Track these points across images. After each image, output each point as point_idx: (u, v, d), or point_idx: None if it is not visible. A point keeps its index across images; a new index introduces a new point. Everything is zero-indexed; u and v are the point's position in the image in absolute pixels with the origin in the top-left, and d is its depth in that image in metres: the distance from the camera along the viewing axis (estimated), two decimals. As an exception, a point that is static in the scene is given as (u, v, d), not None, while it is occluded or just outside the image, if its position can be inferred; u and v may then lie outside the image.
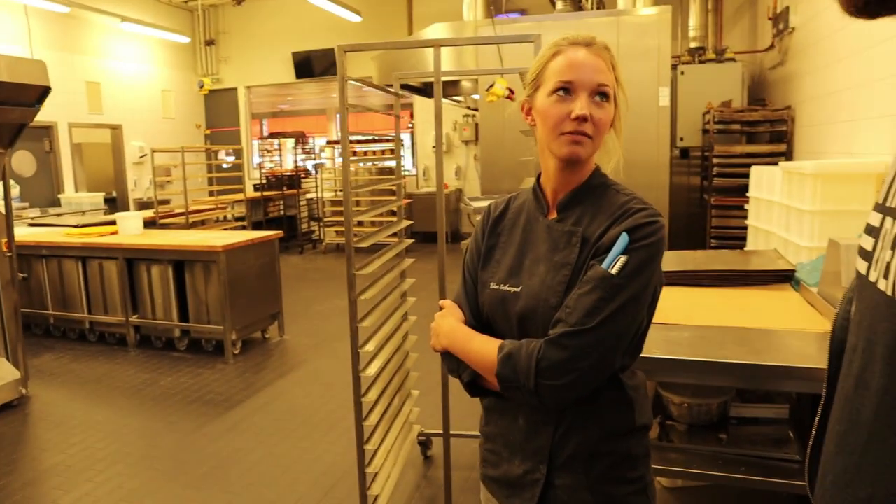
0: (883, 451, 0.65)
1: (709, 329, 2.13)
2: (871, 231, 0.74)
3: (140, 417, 3.97)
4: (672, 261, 3.11)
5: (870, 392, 0.67)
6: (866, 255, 0.74)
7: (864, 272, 0.74)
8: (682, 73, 6.17)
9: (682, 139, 6.22)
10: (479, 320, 1.28)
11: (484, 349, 1.17)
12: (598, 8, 6.04)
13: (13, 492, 3.12)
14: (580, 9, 6.08)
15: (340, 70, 2.16)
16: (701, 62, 6.51)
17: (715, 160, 5.52)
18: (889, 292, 0.67)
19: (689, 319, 2.21)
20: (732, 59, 6.37)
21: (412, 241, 3.28)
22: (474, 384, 1.24)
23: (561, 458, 1.17)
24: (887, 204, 0.72)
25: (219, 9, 11.87)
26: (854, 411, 0.70)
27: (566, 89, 1.14)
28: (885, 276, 0.68)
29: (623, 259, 1.07)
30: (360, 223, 9.13)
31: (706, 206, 5.78)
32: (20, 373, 4.17)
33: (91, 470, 3.29)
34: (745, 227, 4.29)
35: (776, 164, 3.71)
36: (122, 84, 10.46)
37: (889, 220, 0.70)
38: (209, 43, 12.01)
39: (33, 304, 5.59)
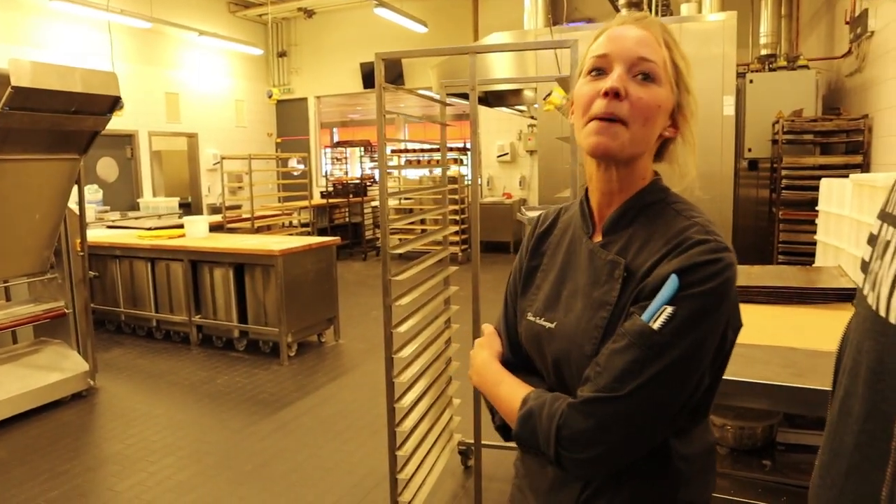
0: (862, 486, 0.58)
1: (752, 348, 2.02)
2: (871, 240, 0.68)
3: (195, 413, 4.12)
4: (725, 275, 2.98)
5: (851, 419, 0.61)
6: (864, 267, 0.69)
7: (861, 285, 0.69)
8: (751, 81, 5.93)
9: (749, 150, 5.97)
10: (518, 354, 1.09)
11: (510, 398, 0.99)
12: (662, 15, 5.89)
13: (75, 476, 3.29)
14: (643, 16, 5.95)
15: (378, 78, 2.18)
16: (771, 70, 6.24)
17: (783, 172, 5.26)
18: (874, 306, 0.61)
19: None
20: (805, 67, 6.07)
21: (457, 248, 3.28)
22: (506, 428, 1.03)
23: None
24: (887, 210, 0.66)
25: (290, 22, 12.29)
26: (837, 440, 0.64)
27: (600, 69, 0.93)
28: (873, 289, 0.63)
29: (669, 310, 0.84)
30: (424, 231, 9.22)
31: (774, 220, 5.52)
32: (88, 365, 4.41)
33: (145, 461, 3.44)
34: (815, 243, 4.08)
35: (849, 176, 3.52)
36: (199, 94, 10.96)
37: (886, 226, 0.65)
38: (281, 55, 12.44)
39: (107, 302, 5.91)
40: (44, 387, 4.14)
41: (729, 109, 4.71)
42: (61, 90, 3.61)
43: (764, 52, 6.54)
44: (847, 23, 5.58)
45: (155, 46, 10.05)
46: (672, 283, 0.85)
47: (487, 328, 1.16)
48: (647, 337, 0.85)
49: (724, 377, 1.73)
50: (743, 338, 2.10)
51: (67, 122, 3.79)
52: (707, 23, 4.86)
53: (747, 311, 2.51)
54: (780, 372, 1.81)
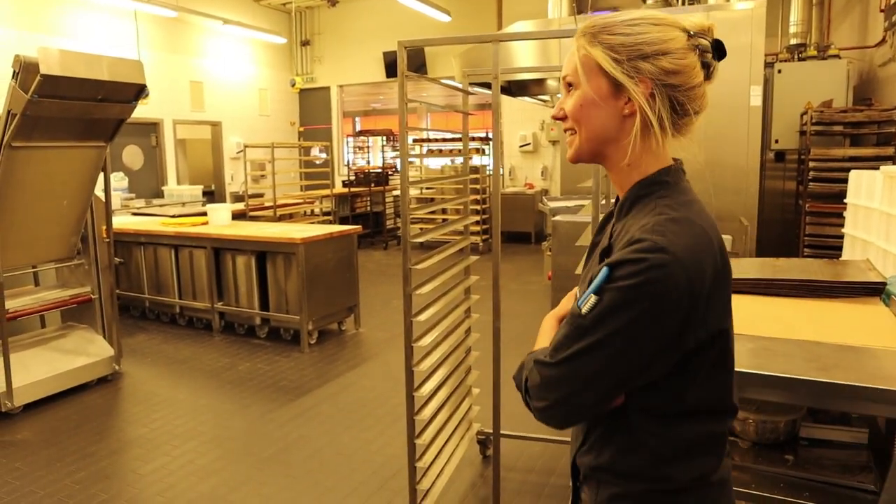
0: None
1: (775, 341, 1.99)
2: None
3: (216, 399, 4.18)
4: (750, 268, 2.94)
5: None
6: None
7: None
8: (780, 71, 5.80)
9: (777, 141, 5.86)
10: None
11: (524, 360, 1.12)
12: (689, 3, 5.79)
13: (101, 458, 3.36)
14: (669, 4, 5.85)
15: (401, 66, 2.18)
16: (801, 59, 6.11)
17: (811, 164, 5.16)
18: None
19: (757, 330, 2.08)
20: (836, 56, 5.93)
21: (479, 237, 3.28)
22: None
23: (582, 473, 1.13)
24: None
25: (314, 10, 12.30)
26: None
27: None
28: None
29: (593, 299, 0.93)
30: (445, 220, 9.21)
31: (801, 212, 5.42)
32: (114, 350, 4.49)
33: (168, 444, 3.50)
34: (842, 236, 4.00)
35: (879, 168, 3.43)
36: (222, 83, 11.04)
37: None
38: (304, 43, 12.47)
39: (132, 288, 6.00)
40: (71, 370, 4.22)
41: (756, 100, 4.62)
42: (89, 78, 3.65)
43: (793, 41, 6.40)
44: (882, 10, 5.44)
45: (180, 35, 10.13)
46: (602, 274, 0.93)
47: (571, 294, 1.27)
48: (575, 318, 0.96)
49: (745, 370, 1.72)
50: (767, 331, 2.08)
51: (94, 109, 3.84)
52: (735, 11, 4.76)
53: (769, 304, 2.48)
54: (804, 366, 1.78)
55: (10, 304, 4.00)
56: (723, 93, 4.62)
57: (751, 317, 2.23)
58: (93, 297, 4.48)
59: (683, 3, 5.62)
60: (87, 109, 3.82)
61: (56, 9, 8.28)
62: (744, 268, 2.95)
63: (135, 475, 3.19)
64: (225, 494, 3.00)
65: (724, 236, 1.06)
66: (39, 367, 4.10)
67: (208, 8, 10.11)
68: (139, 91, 3.98)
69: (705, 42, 0.99)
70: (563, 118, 1.07)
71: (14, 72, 3.46)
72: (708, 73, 1.00)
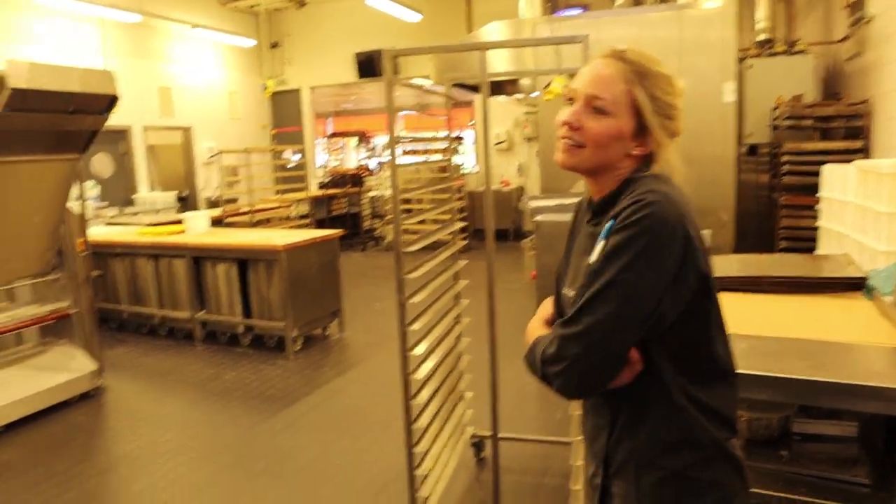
0: None
1: (767, 340, 2.03)
2: None
3: (204, 411, 4.13)
4: (733, 265, 2.99)
5: None
6: None
7: None
8: (751, 66, 5.91)
9: (750, 135, 5.97)
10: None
11: (530, 341, 1.19)
12: (660, 2, 5.86)
13: (88, 478, 3.30)
14: (640, 3, 5.92)
15: (388, 74, 2.17)
16: (770, 55, 6.22)
17: (784, 157, 5.27)
18: None
19: (747, 329, 2.11)
20: (803, 52, 6.06)
21: (466, 241, 3.29)
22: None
23: (615, 465, 1.16)
24: None
25: (282, 12, 12.17)
26: None
27: (570, 99, 1.16)
28: None
29: (601, 244, 1.05)
30: (423, 222, 9.16)
31: (775, 205, 5.53)
32: (96, 365, 4.40)
33: (157, 461, 3.45)
34: (817, 229, 4.09)
35: (851, 161, 3.51)
36: (192, 88, 10.86)
37: None
38: (274, 46, 12.33)
39: (109, 300, 5.89)
40: (52, 387, 4.12)
41: (730, 96, 4.72)
42: (59, 90, 3.57)
43: (762, 37, 6.51)
44: (845, 7, 5.57)
45: (146, 40, 9.94)
46: (607, 225, 1.07)
47: (547, 300, 1.35)
48: (585, 269, 1.09)
49: (740, 371, 1.75)
50: (757, 329, 2.12)
51: (66, 122, 3.76)
52: (706, 10, 4.84)
53: (756, 302, 2.52)
54: (796, 364, 1.82)
55: (-14, 323, 3.91)
56: (698, 90, 4.70)
57: (740, 315, 2.27)
58: (71, 311, 4.39)
59: (654, 2, 5.69)
60: (58, 122, 3.73)
61: (17, 16, 8.06)
62: (727, 265, 3.01)
63: (125, 494, 3.15)
64: (219, 510, 2.98)
65: (703, 231, 1.18)
66: (20, 386, 4.01)
67: (174, 12, 9.94)
68: (111, 102, 3.90)
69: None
70: (577, 129, 1.13)
71: (-18, 85, 3.37)
72: None
